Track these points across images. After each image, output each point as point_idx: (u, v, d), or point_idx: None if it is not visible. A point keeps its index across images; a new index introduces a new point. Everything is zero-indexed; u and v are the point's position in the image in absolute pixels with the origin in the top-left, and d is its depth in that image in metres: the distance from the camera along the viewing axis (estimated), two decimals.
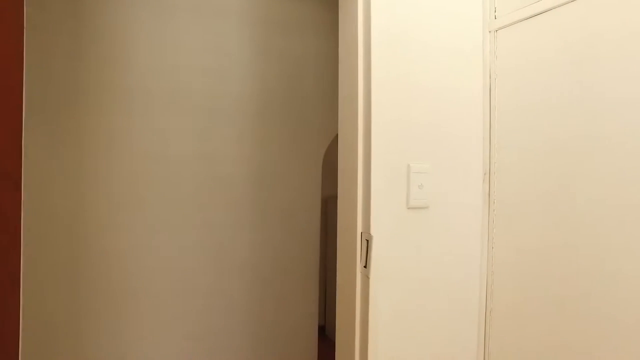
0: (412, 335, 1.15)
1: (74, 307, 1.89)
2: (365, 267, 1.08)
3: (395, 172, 1.11)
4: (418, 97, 1.15)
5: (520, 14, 1.15)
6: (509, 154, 1.22)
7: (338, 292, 1.20)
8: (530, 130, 1.16)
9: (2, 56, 0.68)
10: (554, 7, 1.05)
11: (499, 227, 1.25)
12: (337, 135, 1.25)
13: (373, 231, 1.06)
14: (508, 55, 1.22)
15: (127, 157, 1.96)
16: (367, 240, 1.07)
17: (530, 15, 1.12)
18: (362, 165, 1.09)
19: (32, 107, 1.79)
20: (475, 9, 1.24)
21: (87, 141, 1.90)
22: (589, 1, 0.98)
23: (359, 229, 1.10)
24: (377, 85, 1.07)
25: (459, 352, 1.24)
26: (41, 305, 1.83)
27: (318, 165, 2.38)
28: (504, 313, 1.23)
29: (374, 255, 1.06)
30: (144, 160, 1.99)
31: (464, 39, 1.23)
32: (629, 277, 0.89)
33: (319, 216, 2.38)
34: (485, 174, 1.27)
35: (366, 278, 1.07)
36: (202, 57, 2.08)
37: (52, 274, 1.84)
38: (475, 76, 1.25)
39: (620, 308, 0.90)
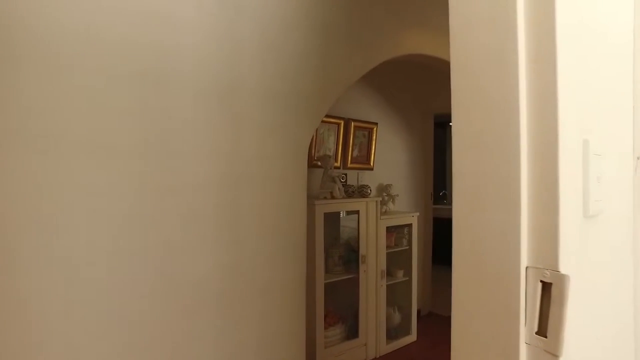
0: None
1: None
2: (541, 334, 0.57)
3: (569, 155, 0.61)
4: (586, 32, 0.67)
5: None
6: None
7: None
8: None
9: None
10: None
11: None
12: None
13: (564, 266, 0.55)
14: None
15: (18, 147, 1.22)
16: (548, 285, 0.56)
17: None
18: (528, 148, 0.58)
19: None
20: None
21: None
22: None
23: (524, 262, 0.58)
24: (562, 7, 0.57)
25: None
26: None
27: (303, 159, 1.81)
28: None
29: (569, 313, 0.55)
30: (50, 152, 1.27)
31: None
32: None
33: (304, 227, 1.82)
34: (638, 158, 0.84)
35: (549, 357, 0.56)
36: None
37: None
38: (624, 10, 0.81)
39: None
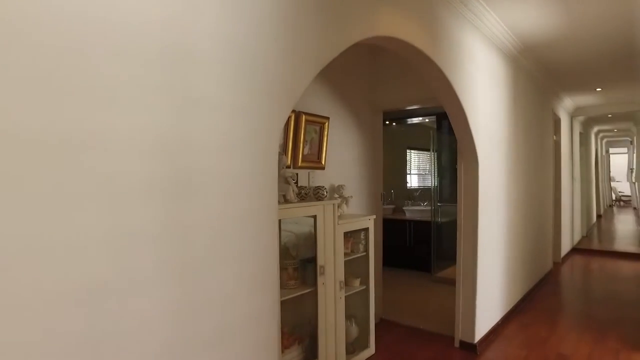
0: None
1: None
2: None
3: None
4: None
5: None
6: None
7: None
8: None
9: None
10: None
11: None
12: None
13: None
14: None
15: None
16: None
17: None
18: None
19: None
20: None
21: None
22: None
23: None
24: None
25: None
26: None
27: (274, 156, 1.41)
28: None
29: None
30: None
31: None
32: None
33: (276, 245, 1.41)
34: None
35: None
36: None
37: None
38: None
39: None
